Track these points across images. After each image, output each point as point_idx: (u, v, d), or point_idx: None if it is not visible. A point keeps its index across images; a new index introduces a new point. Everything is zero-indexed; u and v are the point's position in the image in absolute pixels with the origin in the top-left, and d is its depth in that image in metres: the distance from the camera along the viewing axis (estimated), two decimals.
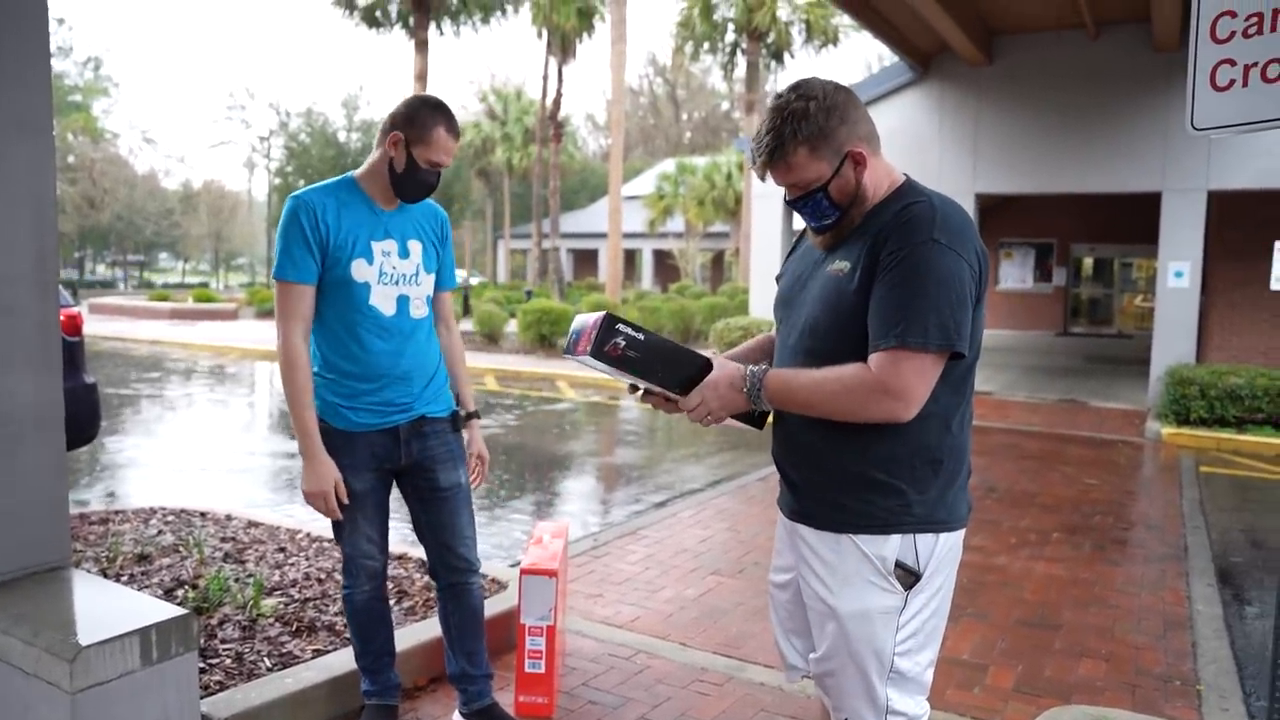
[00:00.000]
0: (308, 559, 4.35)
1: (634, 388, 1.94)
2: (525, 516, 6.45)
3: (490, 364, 15.16)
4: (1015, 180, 12.35)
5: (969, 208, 12.41)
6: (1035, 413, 10.97)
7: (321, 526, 4.96)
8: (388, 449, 2.74)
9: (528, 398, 12.07)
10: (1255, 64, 1.99)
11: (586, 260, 43.10)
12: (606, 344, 1.79)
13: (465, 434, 2.94)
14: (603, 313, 1.85)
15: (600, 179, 52.16)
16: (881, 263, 1.78)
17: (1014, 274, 21.16)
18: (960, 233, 1.78)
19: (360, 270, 2.64)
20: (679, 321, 18.29)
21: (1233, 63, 2.03)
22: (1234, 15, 2.02)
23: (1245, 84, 2.00)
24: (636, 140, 62.49)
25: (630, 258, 41.00)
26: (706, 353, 1.94)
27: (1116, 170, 11.71)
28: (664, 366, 1.83)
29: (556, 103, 29.05)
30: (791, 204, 1.92)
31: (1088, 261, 21.55)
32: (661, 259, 39.66)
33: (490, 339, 17.30)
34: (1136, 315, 21.52)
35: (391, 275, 2.67)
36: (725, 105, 61.71)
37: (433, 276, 2.81)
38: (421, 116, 2.64)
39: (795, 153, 1.84)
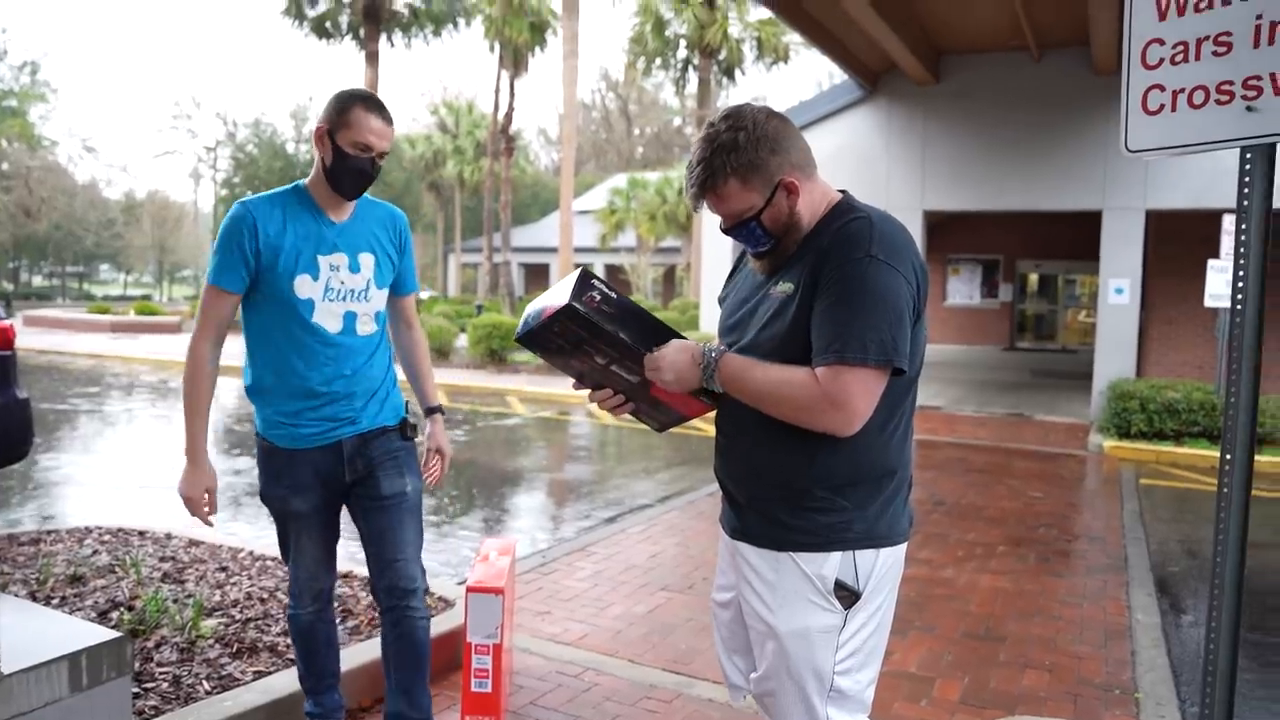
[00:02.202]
0: (250, 578, 4.27)
1: (579, 384, 1.94)
2: (474, 533, 6.38)
3: (440, 379, 14.88)
4: (962, 197, 12.46)
5: (916, 225, 12.47)
6: (983, 426, 11.03)
7: (265, 544, 4.86)
8: (331, 466, 2.68)
9: (478, 413, 11.95)
10: (1182, 90, 2.05)
11: (538, 274, 42.64)
12: (584, 294, 1.79)
13: (427, 427, 2.89)
14: (577, 269, 1.87)
15: (552, 193, 51.68)
16: (821, 280, 1.79)
17: (962, 290, 21.44)
18: (899, 249, 1.78)
19: (304, 287, 2.58)
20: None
21: (1162, 88, 2.08)
22: (1162, 43, 2.07)
23: (1174, 109, 2.06)
24: (588, 154, 61.01)
25: None
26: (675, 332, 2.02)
27: (1060, 189, 11.80)
28: (636, 324, 1.84)
29: (508, 116, 28.98)
30: (727, 232, 1.93)
31: (1033, 277, 21.87)
32: (613, 274, 39.00)
33: (440, 354, 17.13)
34: (1080, 330, 21.86)
35: (339, 291, 2.61)
36: (677, 121, 60.35)
37: (385, 292, 2.72)
38: (339, 103, 2.59)
39: (726, 184, 1.85)
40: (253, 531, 5.61)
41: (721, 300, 2.11)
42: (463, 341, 18.99)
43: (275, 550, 4.56)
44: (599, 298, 1.78)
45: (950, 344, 21.37)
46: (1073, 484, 8.43)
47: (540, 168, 59.97)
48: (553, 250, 37.53)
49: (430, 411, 2.93)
